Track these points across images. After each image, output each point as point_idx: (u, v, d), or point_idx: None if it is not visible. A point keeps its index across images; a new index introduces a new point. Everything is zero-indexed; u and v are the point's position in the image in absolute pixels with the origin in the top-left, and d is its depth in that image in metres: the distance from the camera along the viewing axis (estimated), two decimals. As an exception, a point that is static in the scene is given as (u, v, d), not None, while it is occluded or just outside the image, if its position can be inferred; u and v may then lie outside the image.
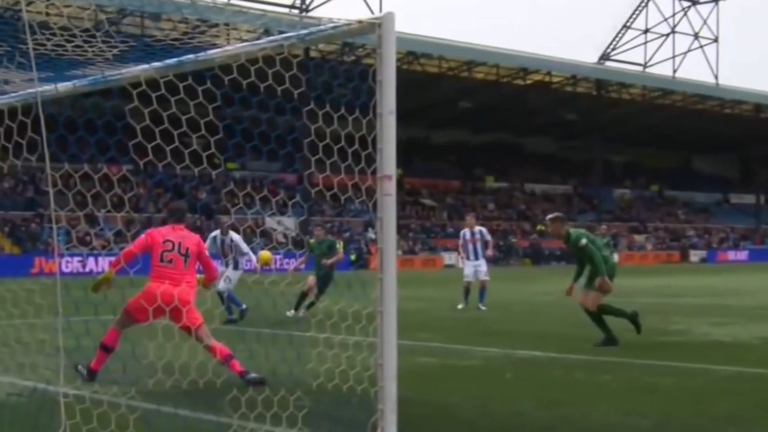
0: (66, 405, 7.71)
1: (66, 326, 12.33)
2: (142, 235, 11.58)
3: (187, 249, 11.41)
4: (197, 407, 9.33)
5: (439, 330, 18.37)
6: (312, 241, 21.95)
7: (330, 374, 8.49)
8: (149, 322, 11.12)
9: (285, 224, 63.17)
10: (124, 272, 10.94)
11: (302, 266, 22.42)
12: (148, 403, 9.37)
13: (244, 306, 19.59)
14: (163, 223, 12.06)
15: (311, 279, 21.10)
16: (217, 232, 20.52)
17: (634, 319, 15.74)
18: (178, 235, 11.51)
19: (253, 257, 20.17)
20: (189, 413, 9.18)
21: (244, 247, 20.16)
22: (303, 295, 20.64)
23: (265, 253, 16.89)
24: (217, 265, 19.30)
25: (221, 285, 19.37)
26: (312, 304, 20.45)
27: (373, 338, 7.07)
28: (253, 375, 10.71)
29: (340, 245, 22.04)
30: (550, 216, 16.19)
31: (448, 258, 68.24)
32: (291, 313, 19.84)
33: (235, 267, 20.08)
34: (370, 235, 64.38)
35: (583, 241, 15.50)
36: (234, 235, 20.15)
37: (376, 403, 6.97)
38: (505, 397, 10.94)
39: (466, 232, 24.96)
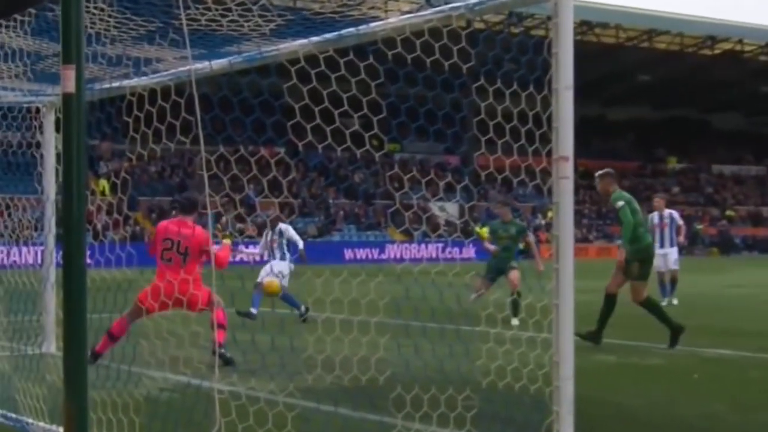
0: (221, 401, 7.85)
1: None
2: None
3: (186, 248, 12.50)
4: (358, 406, 9.41)
5: (616, 325, 18.10)
6: (495, 222, 19.96)
7: (501, 372, 8.45)
8: (155, 313, 12.40)
9: (447, 210, 63.27)
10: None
11: (492, 247, 19.50)
12: (307, 400, 9.49)
13: (303, 307, 19.00)
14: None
15: (479, 281, 19.27)
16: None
17: (676, 332, 15.17)
18: (179, 233, 12.57)
19: (301, 245, 20.06)
20: (350, 412, 9.27)
21: (294, 234, 20.00)
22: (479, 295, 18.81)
23: (273, 283, 15.29)
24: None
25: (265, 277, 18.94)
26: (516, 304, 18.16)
27: (548, 334, 7.01)
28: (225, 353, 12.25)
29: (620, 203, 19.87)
30: (599, 172, 15.71)
31: (626, 246, 67.24)
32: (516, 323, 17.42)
33: (282, 257, 19.55)
34: (539, 221, 63.98)
35: (620, 203, 15.10)
36: (282, 226, 19.84)
37: (551, 404, 6.92)
38: (692, 399, 10.74)
39: (654, 215, 24.03)
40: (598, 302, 15.11)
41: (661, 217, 23.86)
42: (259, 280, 19.12)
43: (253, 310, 18.47)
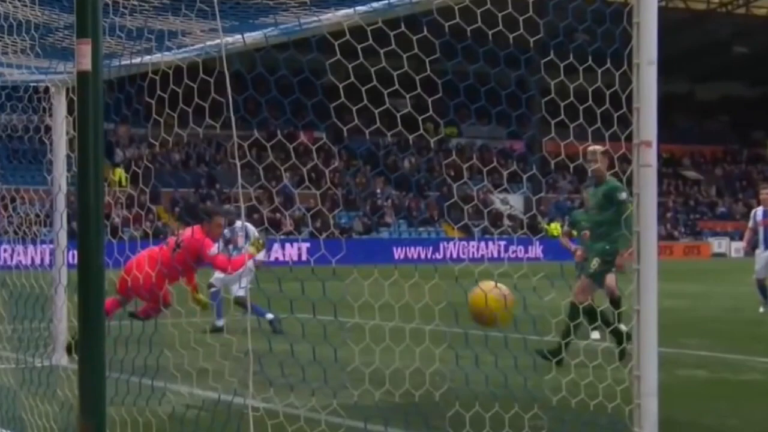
0: (255, 420, 7.92)
1: (255, 325, 12.72)
2: None
3: (181, 242, 14.15)
4: (411, 425, 9.44)
5: (707, 335, 18.08)
6: (578, 212, 18.89)
7: (574, 388, 8.46)
8: (129, 299, 14.05)
9: (511, 203, 63.14)
10: None
11: (572, 246, 18.53)
12: (353, 419, 9.53)
13: (270, 315, 17.80)
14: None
15: (610, 279, 16.53)
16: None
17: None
18: (190, 230, 14.38)
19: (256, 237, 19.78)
20: (402, 432, 9.31)
21: (253, 232, 19.26)
22: (614, 304, 16.80)
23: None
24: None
25: (241, 291, 17.76)
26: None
27: (628, 344, 7.02)
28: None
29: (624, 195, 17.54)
30: (600, 148, 14.04)
31: (717, 245, 66.93)
32: (597, 336, 16.11)
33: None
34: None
35: (624, 195, 13.81)
36: (245, 224, 19.11)
37: (631, 425, 6.93)
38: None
39: (757, 211, 23.08)
40: (685, 308, 15.09)
41: (766, 214, 22.71)
42: (241, 292, 17.76)
43: (270, 315, 17.86)
